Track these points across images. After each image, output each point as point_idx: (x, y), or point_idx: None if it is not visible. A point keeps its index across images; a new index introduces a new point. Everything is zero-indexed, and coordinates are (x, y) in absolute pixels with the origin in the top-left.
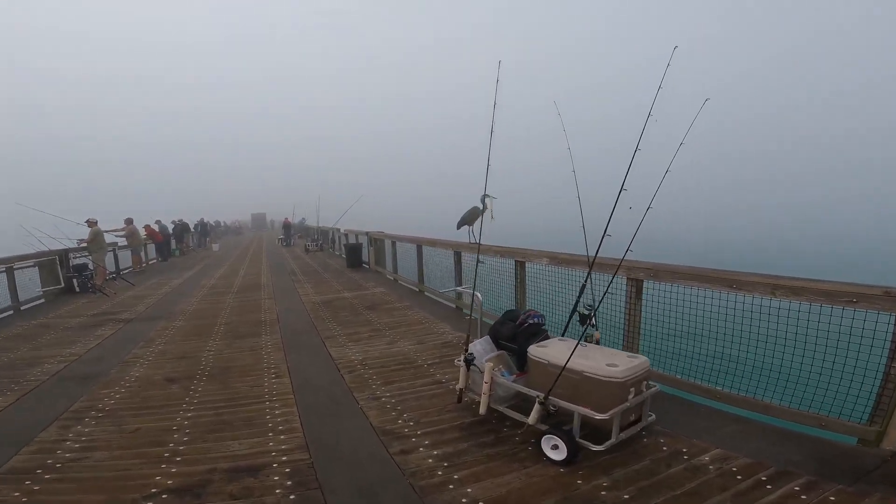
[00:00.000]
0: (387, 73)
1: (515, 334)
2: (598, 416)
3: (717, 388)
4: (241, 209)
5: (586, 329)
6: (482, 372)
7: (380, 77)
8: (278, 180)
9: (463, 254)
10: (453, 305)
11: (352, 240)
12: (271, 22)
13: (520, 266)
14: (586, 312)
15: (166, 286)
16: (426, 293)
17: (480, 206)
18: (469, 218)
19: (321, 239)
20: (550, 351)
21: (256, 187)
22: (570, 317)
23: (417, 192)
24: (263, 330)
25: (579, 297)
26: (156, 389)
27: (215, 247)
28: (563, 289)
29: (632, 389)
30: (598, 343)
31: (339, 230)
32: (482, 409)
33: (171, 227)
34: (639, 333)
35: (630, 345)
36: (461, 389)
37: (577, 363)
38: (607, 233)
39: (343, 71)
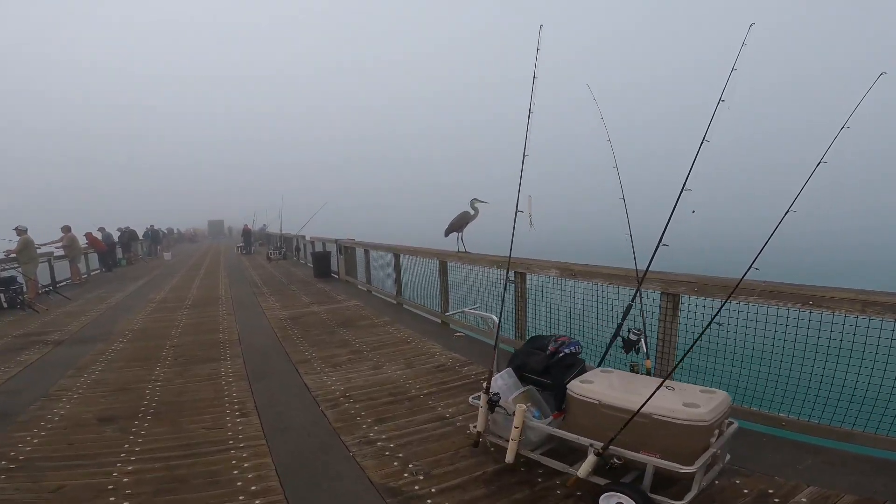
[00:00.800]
0: (371, 75)
1: (548, 366)
2: (685, 470)
3: (782, 415)
4: (197, 216)
5: (636, 357)
6: (510, 414)
7: (362, 80)
8: (238, 184)
9: (450, 264)
10: (438, 321)
11: (318, 248)
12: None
13: (520, 278)
14: (634, 337)
15: (108, 301)
16: (405, 306)
17: (471, 211)
18: (458, 224)
19: (284, 247)
20: (598, 387)
21: (215, 191)
22: (612, 342)
23: (406, 201)
24: (222, 353)
25: (624, 317)
26: (87, 432)
27: (167, 255)
28: (578, 305)
29: (716, 431)
30: (649, 373)
31: (303, 237)
32: (509, 458)
33: (117, 235)
34: (673, 356)
35: (663, 369)
36: (479, 432)
37: (636, 401)
38: (663, 242)
39: (323, 71)
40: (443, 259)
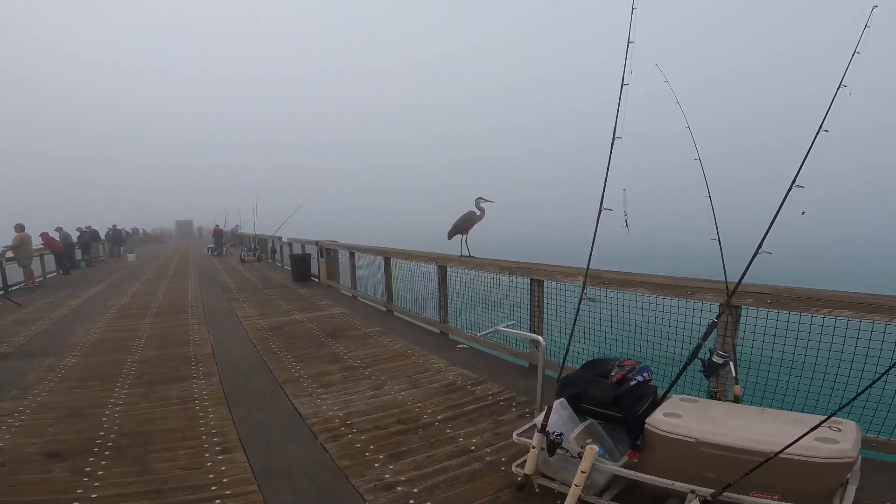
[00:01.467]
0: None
1: (616, 397)
2: None
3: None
4: (165, 215)
5: (724, 381)
6: (574, 456)
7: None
8: (209, 184)
9: (451, 269)
10: (436, 330)
11: (296, 250)
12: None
13: (537, 286)
14: (719, 360)
15: (62, 307)
16: (397, 314)
17: (477, 212)
18: (462, 225)
19: (259, 248)
20: (691, 422)
21: (184, 191)
22: (688, 363)
23: (399, 204)
24: (194, 370)
25: (706, 336)
26: (29, 471)
27: (131, 257)
28: (610, 318)
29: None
30: (737, 400)
31: (280, 239)
32: None
33: (76, 235)
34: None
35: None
36: (526, 475)
37: (760, 439)
38: (763, 249)
39: (305, 74)
40: (442, 263)
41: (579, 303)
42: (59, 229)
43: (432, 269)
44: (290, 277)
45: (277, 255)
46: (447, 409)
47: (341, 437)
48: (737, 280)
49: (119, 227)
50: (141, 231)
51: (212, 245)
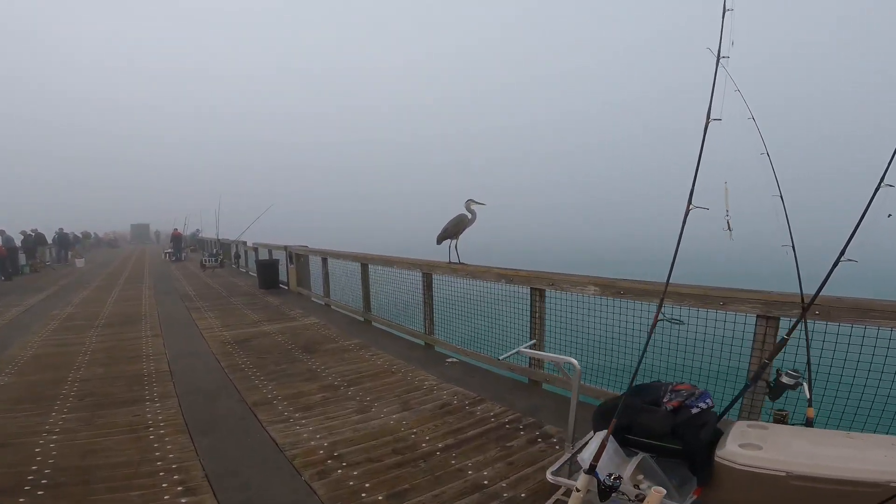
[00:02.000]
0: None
1: (675, 427)
2: None
3: None
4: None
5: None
6: (632, 499)
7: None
8: (168, 185)
9: (439, 277)
10: (420, 342)
11: (262, 255)
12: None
13: (538, 296)
14: (789, 381)
15: None
16: (375, 324)
17: (468, 215)
18: (453, 229)
19: (221, 253)
20: (777, 453)
21: (141, 192)
22: (751, 385)
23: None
24: (148, 391)
25: (773, 355)
26: None
27: (80, 262)
28: (615, 331)
29: None
30: (809, 424)
31: (244, 244)
32: None
33: (20, 239)
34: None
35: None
36: None
37: (879, 469)
38: (846, 256)
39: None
40: (427, 271)
41: (653, 324)
42: (1, 232)
43: (416, 276)
44: (256, 284)
45: (242, 261)
46: (447, 434)
47: (329, 472)
48: (814, 291)
49: (67, 231)
50: (93, 235)
51: (170, 250)
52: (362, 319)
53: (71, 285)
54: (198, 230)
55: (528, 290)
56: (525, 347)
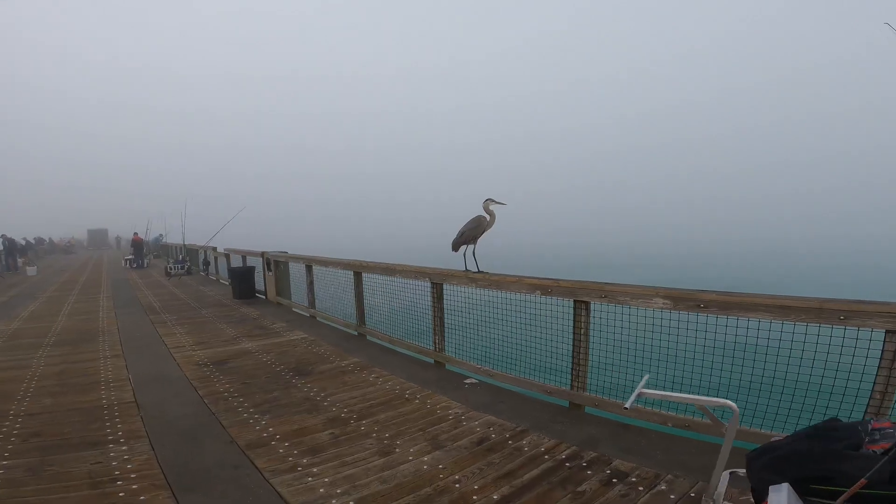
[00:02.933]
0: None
1: (893, 473)
2: None
3: None
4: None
5: None
6: None
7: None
8: (129, 188)
9: (455, 288)
10: (429, 360)
11: (235, 261)
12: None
13: (583, 309)
14: None
15: None
16: (370, 338)
17: (486, 217)
18: (470, 234)
19: (188, 260)
20: None
21: (98, 196)
22: None
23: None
24: (110, 429)
25: None
26: None
27: (31, 270)
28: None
29: None
30: None
31: (214, 249)
32: None
33: None
34: None
35: None
36: None
37: None
38: None
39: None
40: (438, 280)
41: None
42: None
43: (423, 286)
44: (229, 294)
45: (212, 268)
46: (499, 480)
47: None
48: None
49: (11, 237)
50: (47, 240)
51: (130, 256)
52: (356, 334)
53: (19, 296)
54: (161, 235)
55: (571, 302)
56: (648, 388)
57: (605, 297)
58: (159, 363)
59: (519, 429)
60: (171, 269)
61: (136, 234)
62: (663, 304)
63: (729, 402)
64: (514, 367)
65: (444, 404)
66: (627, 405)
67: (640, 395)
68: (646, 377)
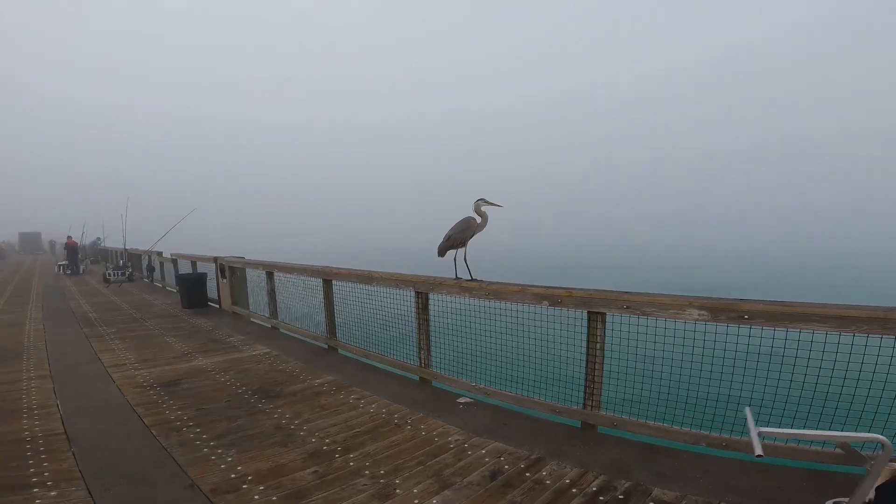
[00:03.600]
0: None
1: None
2: None
3: None
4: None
5: None
6: None
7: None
8: (66, 189)
9: (432, 296)
10: (414, 377)
11: (183, 267)
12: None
13: (597, 321)
14: None
15: None
16: (342, 351)
17: (476, 218)
18: (459, 237)
19: (130, 266)
20: None
21: (30, 197)
22: None
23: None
24: (35, 469)
25: None
26: None
27: None
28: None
29: None
30: None
31: (159, 254)
32: None
33: None
34: None
35: None
36: None
37: None
38: None
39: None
40: (424, 290)
41: None
42: None
43: (406, 296)
44: (177, 303)
45: (157, 274)
46: None
47: None
48: None
49: None
50: None
51: (64, 262)
52: (326, 347)
53: None
54: (99, 238)
55: (579, 313)
56: (760, 428)
57: (628, 308)
58: (95, 386)
59: (533, 456)
60: (110, 275)
61: (69, 237)
62: (699, 315)
63: (879, 436)
64: (512, 384)
65: (440, 430)
66: (759, 452)
67: (760, 433)
68: (748, 410)
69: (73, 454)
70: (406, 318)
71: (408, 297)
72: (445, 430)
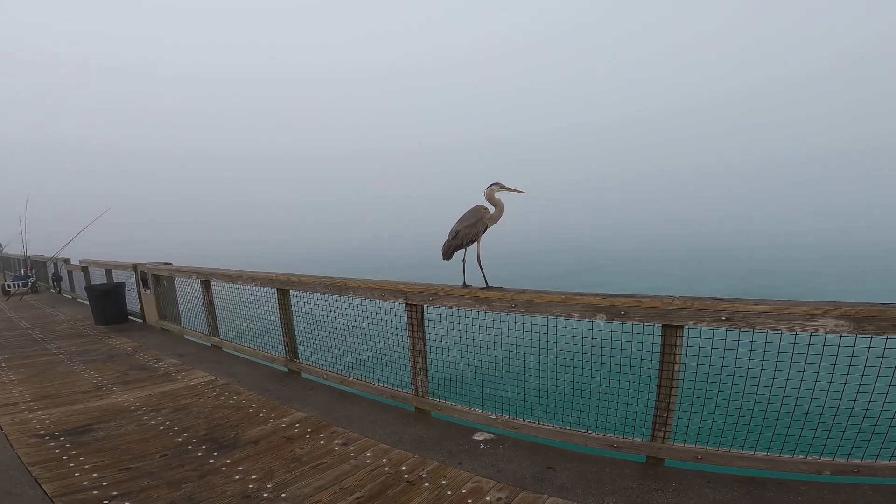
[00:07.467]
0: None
1: None
2: None
3: None
4: None
5: None
6: None
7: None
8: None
9: (427, 308)
10: (409, 408)
11: (95, 276)
12: None
13: (675, 335)
14: None
15: None
16: (306, 375)
17: (489, 208)
18: (467, 232)
19: (34, 275)
20: None
21: None
22: None
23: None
24: None
25: None
26: None
27: None
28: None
29: None
30: None
31: (66, 261)
32: None
33: None
34: None
35: None
36: None
37: None
38: None
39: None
40: (417, 301)
41: None
42: None
43: (397, 308)
44: (89, 318)
45: (66, 284)
46: None
47: None
48: None
49: None
50: None
51: None
52: (286, 370)
53: None
54: None
55: (653, 328)
56: None
57: (728, 319)
58: None
59: None
60: (9, 286)
61: None
62: (836, 326)
63: None
64: (543, 414)
65: (470, 484)
66: None
67: None
68: None
69: None
70: (394, 333)
71: (398, 310)
72: (478, 486)
